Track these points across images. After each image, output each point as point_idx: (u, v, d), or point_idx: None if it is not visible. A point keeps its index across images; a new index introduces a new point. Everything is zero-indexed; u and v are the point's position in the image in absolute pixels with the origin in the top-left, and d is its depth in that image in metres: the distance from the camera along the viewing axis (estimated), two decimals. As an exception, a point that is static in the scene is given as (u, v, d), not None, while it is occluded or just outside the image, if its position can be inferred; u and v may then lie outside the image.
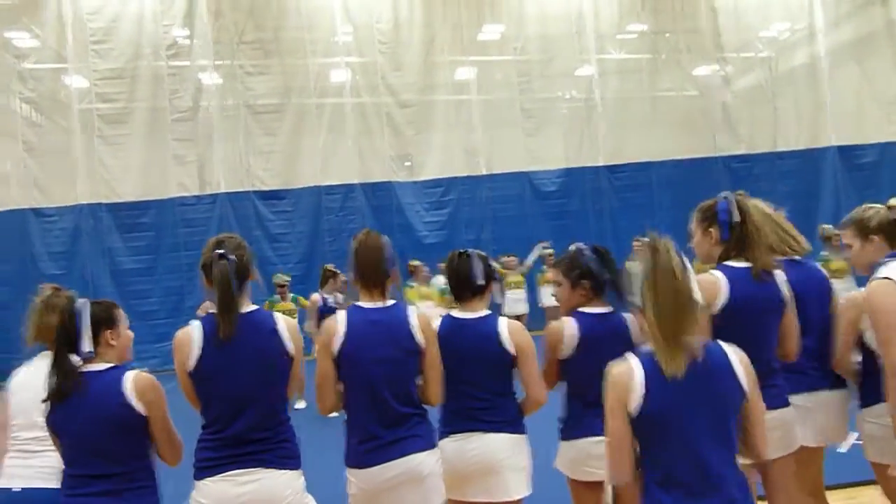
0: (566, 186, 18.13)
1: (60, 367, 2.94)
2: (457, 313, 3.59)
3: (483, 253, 3.69)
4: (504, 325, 3.50)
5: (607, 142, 18.41)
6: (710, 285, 3.32)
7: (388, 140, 17.66)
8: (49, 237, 16.32)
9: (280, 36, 17.43)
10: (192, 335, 3.05)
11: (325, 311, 9.73)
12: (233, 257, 3.02)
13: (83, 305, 3.01)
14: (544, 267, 14.31)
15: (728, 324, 3.16)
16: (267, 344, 3.10)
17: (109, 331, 3.09)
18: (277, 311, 10.97)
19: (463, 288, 3.58)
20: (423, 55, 18.04)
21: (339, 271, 10.06)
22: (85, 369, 2.98)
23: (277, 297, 11.37)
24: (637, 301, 2.40)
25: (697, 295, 2.32)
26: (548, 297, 14.18)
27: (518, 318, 13.08)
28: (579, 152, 18.41)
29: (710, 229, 3.55)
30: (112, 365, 3.05)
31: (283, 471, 3.07)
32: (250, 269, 3.12)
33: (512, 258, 13.93)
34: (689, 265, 2.34)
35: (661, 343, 2.31)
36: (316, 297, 9.90)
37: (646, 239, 2.43)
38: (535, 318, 14.27)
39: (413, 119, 17.83)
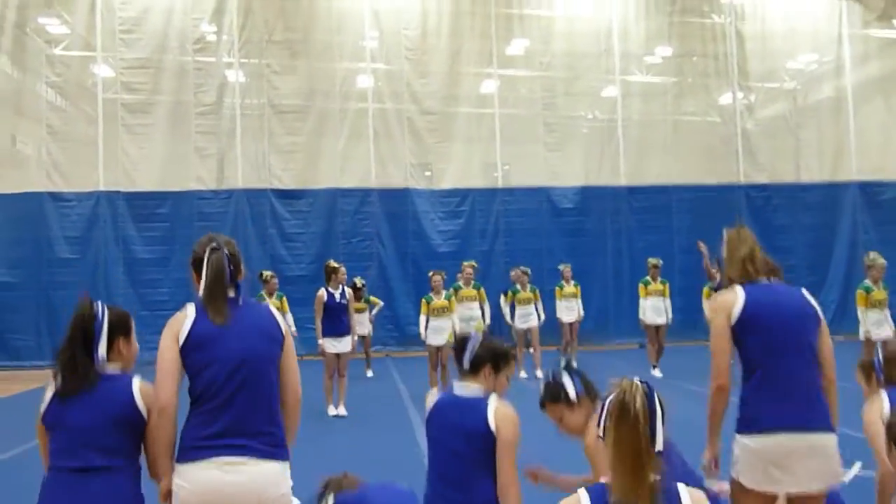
0: (584, 204, 18.08)
1: (76, 366, 3.00)
2: (454, 388, 3.45)
3: (488, 340, 3.47)
4: (492, 409, 3.25)
5: (628, 163, 18.38)
6: (728, 296, 3.53)
7: (408, 147, 17.70)
8: (66, 222, 16.42)
9: (309, 37, 17.55)
10: (187, 310, 3.08)
11: (332, 306, 9.95)
12: (227, 251, 3.09)
13: (103, 311, 3.08)
14: (562, 282, 14.26)
15: (752, 330, 3.41)
16: (263, 321, 3.13)
17: (123, 339, 3.14)
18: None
19: (458, 362, 3.44)
20: (449, 65, 18.09)
21: (340, 265, 10.27)
22: (101, 371, 3.05)
23: (263, 293, 11.59)
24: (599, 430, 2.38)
25: (660, 444, 2.30)
26: (564, 311, 14.16)
27: (528, 331, 13.15)
28: (599, 171, 18.39)
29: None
30: (120, 371, 3.12)
31: (274, 461, 2.96)
32: (241, 266, 3.16)
33: (522, 270, 13.77)
34: (658, 410, 2.30)
35: (616, 482, 2.29)
36: (322, 292, 10.01)
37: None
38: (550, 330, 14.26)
39: (435, 128, 17.86)
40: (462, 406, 3.31)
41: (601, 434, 2.35)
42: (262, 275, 12.01)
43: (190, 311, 3.08)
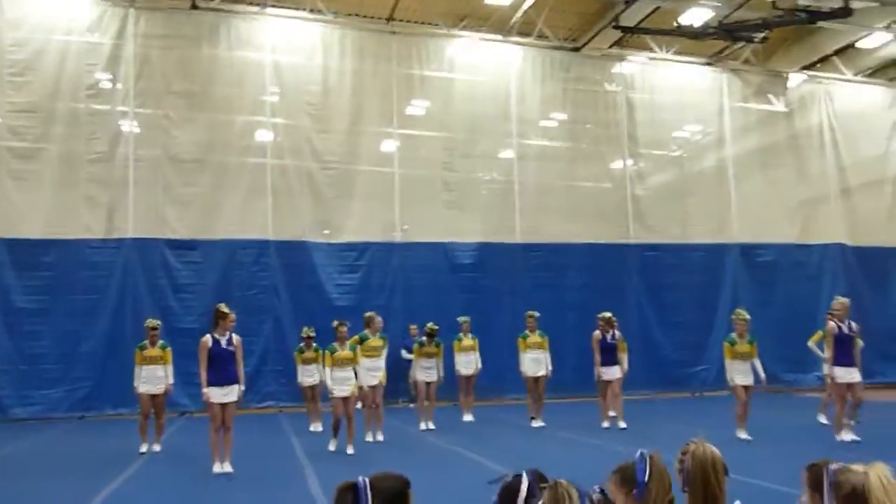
0: (482, 260, 18.34)
1: None
2: None
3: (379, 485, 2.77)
4: None
5: (524, 222, 18.79)
6: None
7: (307, 202, 17.59)
8: (-59, 268, 15.52)
9: (208, 90, 17.28)
10: None
11: (218, 352, 9.48)
12: None
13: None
14: (460, 334, 14.35)
15: None
16: None
17: None
18: (146, 356, 10.67)
19: None
20: (350, 122, 18.16)
21: (229, 311, 9.74)
22: None
23: (146, 342, 11.21)
24: None
25: None
26: (462, 364, 14.20)
27: (429, 385, 13.23)
28: (498, 228, 18.72)
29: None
30: None
31: None
32: None
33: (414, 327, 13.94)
34: None
35: None
36: (207, 338, 9.54)
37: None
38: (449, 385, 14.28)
39: (334, 183, 17.83)
40: None
41: None
42: (147, 324, 11.57)
43: None
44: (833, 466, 2.82)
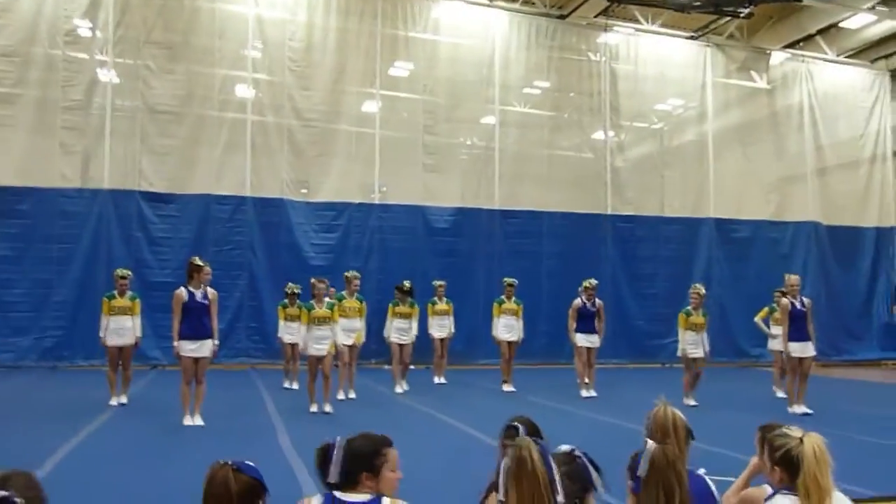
0: (459, 225, 18.38)
1: None
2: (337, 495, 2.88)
3: (352, 443, 2.92)
4: None
5: (502, 188, 18.83)
6: None
7: (286, 159, 17.49)
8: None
9: (189, 40, 17.04)
10: None
11: (193, 306, 9.41)
12: (18, 501, 2.16)
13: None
14: (435, 298, 14.42)
15: None
16: None
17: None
18: (114, 306, 10.47)
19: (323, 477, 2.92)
20: (333, 81, 18.04)
21: (205, 264, 9.69)
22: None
23: (115, 292, 11.00)
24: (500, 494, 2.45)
25: (561, 496, 2.42)
26: (436, 328, 14.31)
27: (402, 347, 13.33)
28: (476, 194, 18.74)
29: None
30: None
31: None
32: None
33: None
34: (553, 464, 2.44)
35: None
36: (181, 291, 9.46)
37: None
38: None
39: (314, 142, 17.72)
40: None
41: (503, 498, 2.41)
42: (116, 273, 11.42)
43: None
44: (772, 432, 3.12)
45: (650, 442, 2.82)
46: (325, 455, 2.87)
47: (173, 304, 9.47)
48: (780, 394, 12.86)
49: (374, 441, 2.96)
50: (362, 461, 2.87)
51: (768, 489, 3.16)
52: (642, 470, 2.76)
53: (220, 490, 2.44)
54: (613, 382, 14.59)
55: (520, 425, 3.21)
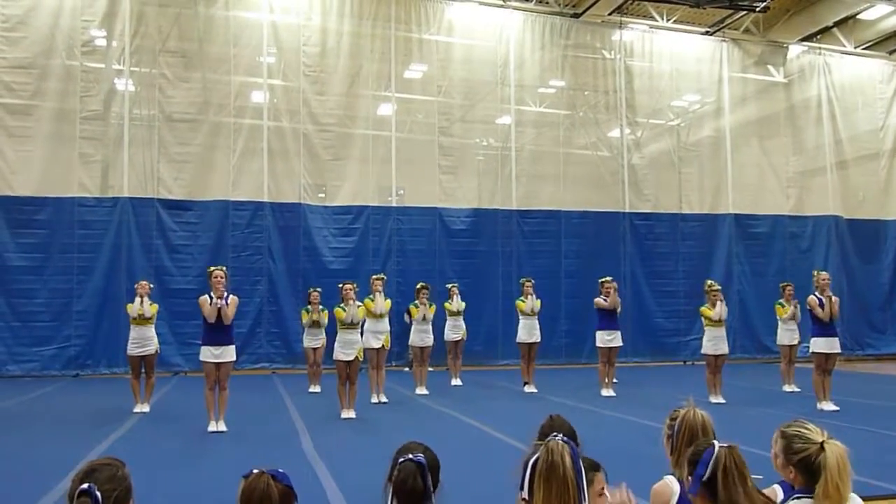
0: (476, 226, 18.34)
1: None
2: None
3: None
4: None
5: (519, 188, 18.78)
6: (661, 488, 3.13)
7: (303, 164, 17.53)
8: (-68, 226, 15.48)
9: (204, 49, 17.16)
10: None
11: None
12: (98, 494, 2.29)
13: None
14: (449, 300, 14.43)
15: None
16: None
17: None
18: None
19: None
20: (348, 85, 18.10)
21: (214, 268, 9.78)
22: None
23: (138, 299, 11.08)
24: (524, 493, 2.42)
25: (586, 499, 2.39)
26: (451, 330, 14.32)
27: (423, 349, 13.36)
28: (492, 196, 18.70)
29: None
30: None
31: None
32: None
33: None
34: (582, 468, 2.41)
35: None
36: (205, 298, 9.57)
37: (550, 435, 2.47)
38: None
39: (331, 146, 17.75)
40: None
41: (525, 496, 2.37)
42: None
43: None
44: (792, 430, 2.93)
45: (716, 444, 2.71)
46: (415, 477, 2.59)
47: (201, 308, 9.57)
48: (787, 388, 13.13)
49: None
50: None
51: (779, 491, 3.07)
52: (706, 472, 2.64)
53: (263, 499, 2.44)
54: (635, 381, 14.53)
55: (556, 426, 3.19)
